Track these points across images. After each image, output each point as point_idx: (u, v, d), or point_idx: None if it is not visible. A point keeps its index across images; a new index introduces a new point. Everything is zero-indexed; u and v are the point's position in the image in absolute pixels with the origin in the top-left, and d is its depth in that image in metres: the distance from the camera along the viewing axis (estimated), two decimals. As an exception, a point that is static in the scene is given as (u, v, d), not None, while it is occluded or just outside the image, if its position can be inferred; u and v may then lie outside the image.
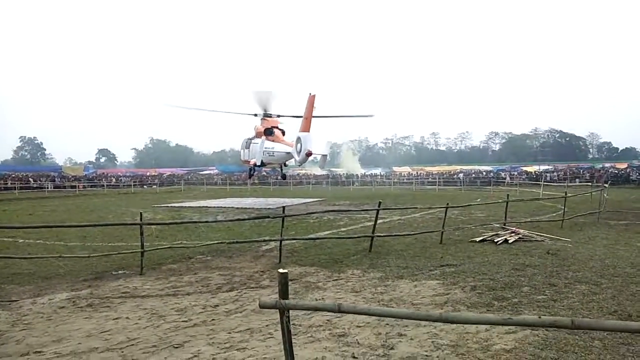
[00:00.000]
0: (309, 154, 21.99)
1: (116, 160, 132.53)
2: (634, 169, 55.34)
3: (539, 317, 2.54)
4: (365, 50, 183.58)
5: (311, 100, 22.20)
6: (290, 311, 3.52)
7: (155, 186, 55.60)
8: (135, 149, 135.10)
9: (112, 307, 7.17)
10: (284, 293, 3.07)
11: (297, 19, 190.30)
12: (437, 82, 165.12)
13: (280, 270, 3.19)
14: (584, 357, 4.72)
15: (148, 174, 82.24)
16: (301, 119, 23.01)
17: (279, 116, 26.92)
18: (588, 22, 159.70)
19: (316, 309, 3.80)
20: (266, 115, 26.66)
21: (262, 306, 3.18)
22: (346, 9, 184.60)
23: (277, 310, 3.18)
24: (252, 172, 28.31)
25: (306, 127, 22.22)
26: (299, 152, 22.02)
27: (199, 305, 7.15)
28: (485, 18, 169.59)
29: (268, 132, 25.61)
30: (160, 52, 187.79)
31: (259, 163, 25.12)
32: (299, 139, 22.25)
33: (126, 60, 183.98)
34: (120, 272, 9.58)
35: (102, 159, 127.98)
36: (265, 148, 24.99)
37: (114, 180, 62.83)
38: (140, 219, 9.61)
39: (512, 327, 5.42)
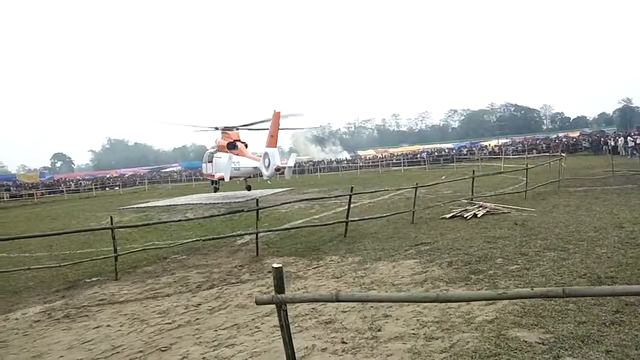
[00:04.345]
0: (278, 169, 22.55)
1: (73, 164, 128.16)
2: (586, 136, 57.86)
3: (532, 289, 2.65)
4: (323, 37, 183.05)
5: (276, 117, 22.76)
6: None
7: (117, 188, 54.00)
8: (92, 150, 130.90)
9: (90, 315, 6.99)
10: (279, 287, 3.08)
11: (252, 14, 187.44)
12: (395, 64, 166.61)
13: (275, 265, 3.20)
14: (562, 320, 4.95)
15: (108, 175, 79.94)
16: (266, 132, 23.43)
17: (238, 129, 27.03)
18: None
19: (314, 301, 3.83)
20: (226, 129, 26.69)
21: (259, 302, 3.19)
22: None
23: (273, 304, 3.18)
24: (217, 186, 28.10)
25: (272, 143, 22.76)
26: (267, 167, 22.51)
27: (180, 306, 7.06)
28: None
29: (232, 146, 25.61)
30: (115, 52, 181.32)
31: (227, 178, 25.08)
32: (266, 155, 22.60)
33: (78, 61, 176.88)
34: (94, 279, 9.32)
35: (58, 164, 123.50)
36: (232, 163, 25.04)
37: (73, 184, 60.62)
38: (111, 223, 9.36)
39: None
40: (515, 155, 43.49)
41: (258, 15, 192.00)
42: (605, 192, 15.59)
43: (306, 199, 16.44)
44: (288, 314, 6.03)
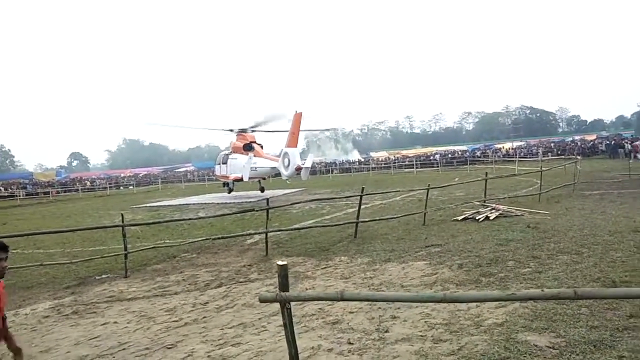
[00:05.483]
0: (298, 168, 22.65)
1: (89, 163, 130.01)
2: (603, 139, 56.79)
3: (542, 291, 2.57)
4: (338, 40, 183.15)
5: (297, 117, 22.85)
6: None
7: (131, 187, 54.54)
8: (108, 150, 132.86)
9: (98, 312, 7.02)
10: (283, 285, 3.03)
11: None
12: (409, 66, 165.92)
13: (279, 263, 3.15)
14: (573, 324, 4.82)
15: (123, 175, 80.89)
16: (286, 133, 23.69)
17: (253, 131, 27.14)
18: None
19: (318, 299, 3.78)
20: (242, 131, 26.79)
21: (263, 300, 3.14)
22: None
23: (276, 303, 3.14)
24: (231, 187, 28.00)
25: (292, 143, 22.86)
26: (286, 167, 22.58)
27: (188, 304, 7.06)
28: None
29: (248, 148, 25.68)
30: (131, 54, 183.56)
31: (246, 179, 25.17)
32: (286, 154, 22.66)
33: (95, 63, 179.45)
34: (103, 276, 9.38)
35: (75, 163, 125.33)
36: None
37: (88, 183, 61.43)
38: (122, 221, 9.40)
39: (502, 301, 5.49)
40: (529, 157, 42.88)
41: (274, 19, 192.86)
42: (621, 195, 15.29)
43: (317, 200, 16.40)
44: (294, 314, 5.99)
